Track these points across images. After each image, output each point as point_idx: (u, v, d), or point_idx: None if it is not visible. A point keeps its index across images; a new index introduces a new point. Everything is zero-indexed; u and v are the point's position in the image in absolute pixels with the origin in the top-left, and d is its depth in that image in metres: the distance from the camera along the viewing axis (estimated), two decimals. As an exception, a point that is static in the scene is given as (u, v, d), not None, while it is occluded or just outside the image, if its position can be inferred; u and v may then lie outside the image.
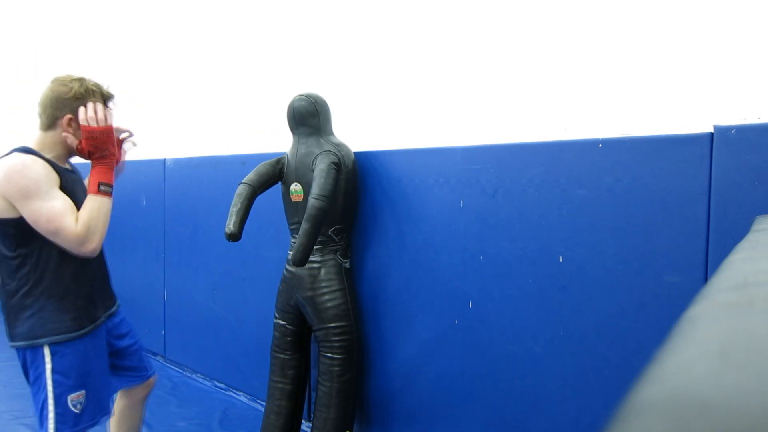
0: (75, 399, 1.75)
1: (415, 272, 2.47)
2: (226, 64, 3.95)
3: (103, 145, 1.72)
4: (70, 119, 1.71)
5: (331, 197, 2.29)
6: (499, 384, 2.20)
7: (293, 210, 2.54)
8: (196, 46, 4.23)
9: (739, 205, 1.67)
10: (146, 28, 4.77)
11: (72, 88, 1.71)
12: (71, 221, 1.63)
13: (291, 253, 2.43)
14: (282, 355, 2.63)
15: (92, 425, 1.82)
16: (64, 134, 1.72)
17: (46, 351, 1.71)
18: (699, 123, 1.81)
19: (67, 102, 1.71)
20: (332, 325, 2.46)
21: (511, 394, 2.17)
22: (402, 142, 2.75)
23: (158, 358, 4.23)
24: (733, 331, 0.40)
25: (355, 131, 3.03)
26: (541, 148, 2.10)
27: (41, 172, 1.63)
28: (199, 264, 3.70)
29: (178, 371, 3.97)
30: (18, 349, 1.75)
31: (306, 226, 2.23)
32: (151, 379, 2.19)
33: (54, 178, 1.66)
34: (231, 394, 3.53)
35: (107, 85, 1.83)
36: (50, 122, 1.71)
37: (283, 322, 2.63)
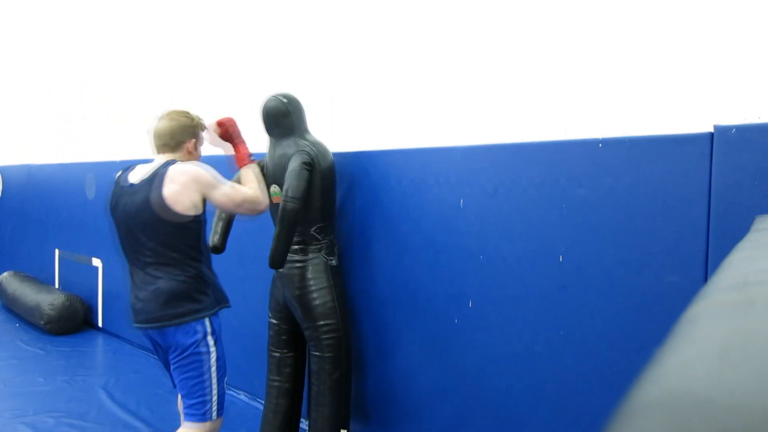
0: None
1: (415, 272, 2.47)
2: (226, 64, 3.95)
3: (234, 128, 2.23)
4: (195, 142, 2.14)
5: (302, 198, 2.33)
6: (500, 384, 2.20)
7: (275, 211, 2.55)
8: (195, 46, 4.23)
9: (739, 205, 1.67)
10: (147, 27, 4.77)
11: (193, 119, 2.14)
12: (247, 190, 2.06)
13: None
14: (277, 354, 2.65)
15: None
16: (189, 154, 2.12)
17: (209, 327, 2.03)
18: (699, 123, 1.81)
19: (191, 129, 2.12)
20: (320, 323, 2.47)
21: (511, 393, 2.17)
22: (402, 142, 2.75)
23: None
24: (733, 331, 0.40)
25: (355, 131, 3.03)
26: (541, 148, 2.10)
27: (207, 168, 2.05)
28: (199, 263, 3.70)
29: (178, 371, 3.97)
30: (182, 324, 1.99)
31: (278, 228, 2.31)
32: None
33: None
34: (231, 393, 3.53)
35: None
36: (176, 146, 2.09)
37: (276, 322, 2.65)
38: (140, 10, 4.84)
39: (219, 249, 2.52)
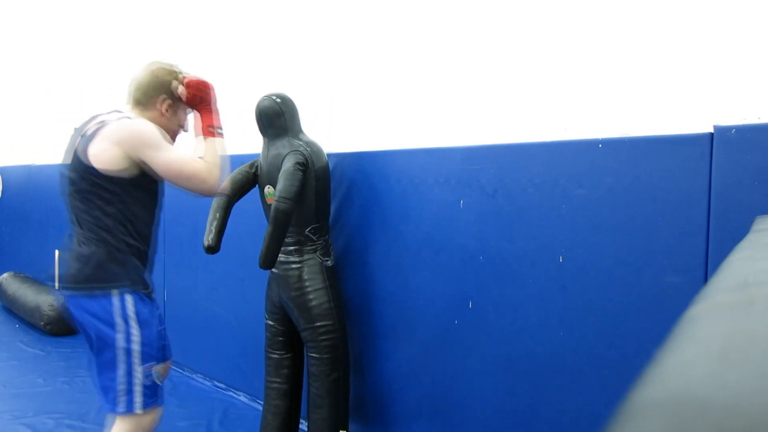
0: (159, 370, 1.87)
1: (415, 272, 2.47)
2: (226, 64, 3.95)
3: (206, 91, 1.90)
4: (167, 101, 1.87)
5: (294, 198, 2.31)
6: (499, 384, 2.20)
7: (270, 211, 2.55)
8: (195, 46, 4.23)
9: (739, 205, 1.67)
10: (146, 28, 4.77)
11: (173, 74, 1.88)
12: (200, 163, 1.79)
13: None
14: (275, 355, 2.65)
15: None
16: (161, 115, 1.86)
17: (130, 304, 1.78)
18: (699, 123, 1.81)
19: (166, 85, 1.87)
20: (317, 324, 2.47)
21: (511, 394, 2.17)
22: (402, 142, 2.75)
23: (158, 358, 4.23)
24: (733, 331, 0.40)
25: (356, 132, 3.03)
26: (541, 148, 2.10)
27: (157, 128, 1.78)
28: (199, 264, 3.70)
29: (178, 371, 3.97)
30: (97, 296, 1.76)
31: (270, 228, 2.28)
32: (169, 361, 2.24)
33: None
34: (231, 394, 3.53)
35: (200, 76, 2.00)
36: (147, 102, 1.85)
37: (272, 323, 2.65)
38: (140, 11, 4.85)
39: (213, 249, 2.49)
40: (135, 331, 1.77)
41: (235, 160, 3.27)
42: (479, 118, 2.52)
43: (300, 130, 2.55)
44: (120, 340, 1.75)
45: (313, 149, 2.47)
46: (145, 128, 1.75)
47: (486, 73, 2.52)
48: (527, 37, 2.39)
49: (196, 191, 1.83)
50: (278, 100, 2.49)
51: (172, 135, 1.93)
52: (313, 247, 2.52)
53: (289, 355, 2.65)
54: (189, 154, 1.82)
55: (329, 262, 2.57)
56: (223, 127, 1.95)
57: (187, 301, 3.85)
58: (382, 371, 2.63)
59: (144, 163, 1.75)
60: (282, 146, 2.46)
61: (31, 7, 6.75)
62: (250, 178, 2.62)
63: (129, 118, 1.80)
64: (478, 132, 2.49)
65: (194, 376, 3.85)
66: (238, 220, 3.03)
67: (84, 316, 1.78)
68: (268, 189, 2.55)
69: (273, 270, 2.59)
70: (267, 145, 2.54)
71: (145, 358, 1.80)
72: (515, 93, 2.41)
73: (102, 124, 1.77)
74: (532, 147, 2.13)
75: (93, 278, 1.77)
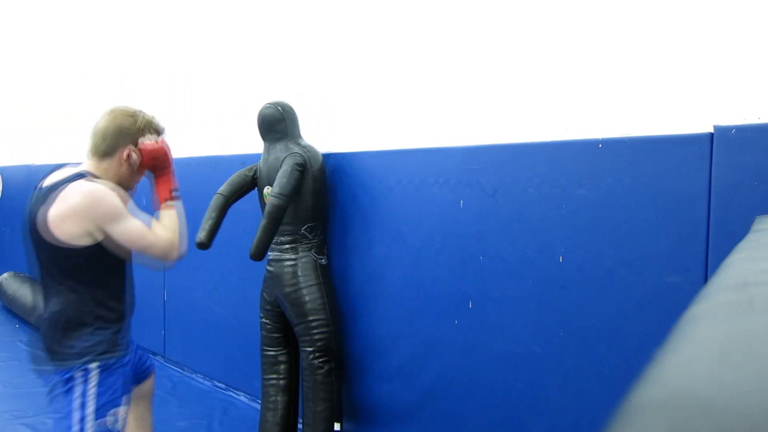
0: (110, 421, 1.75)
1: (415, 272, 2.47)
2: (226, 64, 3.95)
3: (163, 159, 1.83)
4: (130, 151, 1.77)
5: (289, 196, 2.42)
6: (499, 384, 2.20)
7: None
8: (195, 46, 4.23)
9: (739, 205, 1.67)
10: (146, 28, 4.77)
11: (136, 121, 1.78)
12: (155, 235, 1.73)
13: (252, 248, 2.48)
14: (271, 352, 2.72)
15: None
16: (120, 165, 1.77)
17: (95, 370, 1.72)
18: (699, 123, 1.81)
19: (130, 133, 1.77)
20: (309, 318, 2.54)
21: (511, 394, 2.17)
22: (402, 142, 2.75)
23: (158, 358, 4.23)
24: (734, 332, 0.40)
25: (356, 132, 3.03)
26: (541, 148, 2.10)
27: (116, 196, 1.69)
28: (199, 264, 3.70)
29: (178, 371, 3.97)
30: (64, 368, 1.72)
31: (263, 221, 2.38)
32: (152, 376, 2.18)
33: (122, 203, 1.73)
34: (231, 394, 3.53)
35: (160, 120, 1.92)
36: (109, 151, 1.75)
37: (267, 321, 2.72)
38: (140, 11, 4.85)
39: (205, 245, 2.57)
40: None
41: (235, 159, 3.27)
42: (479, 118, 2.52)
43: (299, 136, 2.65)
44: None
45: (311, 152, 2.58)
46: (102, 195, 1.65)
47: (486, 73, 2.52)
48: (527, 37, 2.39)
49: (160, 260, 1.77)
50: (279, 107, 2.61)
51: (131, 182, 1.85)
52: (309, 245, 2.60)
53: (284, 352, 2.71)
54: (146, 223, 1.73)
55: (323, 261, 2.64)
56: (178, 188, 1.89)
57: (187, 301, 3.84)
58: (381, 371, 2.63)
59: (103, 233, 1.67)
60: (281, 150, 2.57)
61: (31, 5, 6.75)
62: (248, 181, 2.71)
63: (84, 176, 1.70)
64: (478, 132, 2.49)
65: (194, 376, 3.85)
66: (238, 220, 3.03)
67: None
68: (267, 190, 2.62)
69: (268, 268, 2.66)
70: (267, 149, 2.65)
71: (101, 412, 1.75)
72: (515, 93, 2.41)
73: (59, 185, 1.68)
74: (532, 147, 2.12)
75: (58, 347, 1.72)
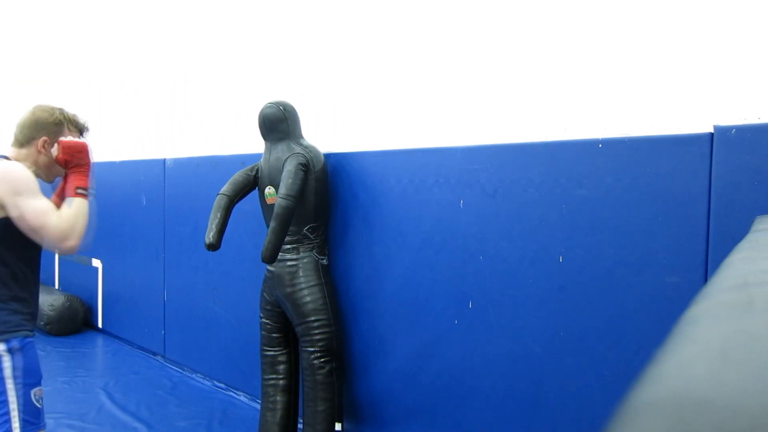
0: (38, 394, 1.84)
1: (415, 272, 2.47)
2: (226, 64, 3.95)
3: (78, 155, 1.90)
4: (45, 141, 1.88)
5: (297, 197, 2.41)
6: (499, 384, 2.20)
7: (269, 212, 2.64)
8: (195, 46, 4.23)
9: (739, 205, 1.67)
10: (146, 28, 4.77)
11: (53, 114, 1.90)
12: (55, 218, 1.78)
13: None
14: (270, 352, 2.72)
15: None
16: (38, 153, 1.88)
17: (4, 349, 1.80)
18: (699, 123, 1.81)
19: (46, 126, 1.89)
20: (310, 319, 2.55)
21: (511, 394, 2.17)
22: (402, 142, 2.76)
23: (158, 358, 4.23)
24: (733, 331, 0.40)
25: (357, 132, 3.03)
26: (541, 148, 2.10)
27: (30, 174, 1.79)
28: (199, 264, 3.70)
29: (178, 371, 3.97)
30: None
31: (273, 224, 2.36)
32: None
33: (37, 183, 1.82)
34: (231, 394, 3.53)
35: (84, 119, 2.02)
36: (25, 141, 1.87)
37: (267, 321, 2.72)
38: (140, 11, 4.85)
39: (214, 246, 2.55)
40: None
41: (235, 159, 3.28)
42: (479, 118, 2.52)
43: (300, 136, 2.64)
44: None
45: (313, 153, 2.57)
46: (15, 172, 1.74)
47: (486, 73, 2.52)
48: (527, 37, 2.39)
49: (55, 247, 1.81)
50: (281, 107, 2.60)
51: (49, 174, 1.94)
52: (310, 245, 2.60)
53: (284, 352, 2.72)
54: (50, 206, 1.78)
55: (325, 261, 2.64)
56: (94, 189, 1.94)
57: (187, 301, 3.85)
58: (382, 370, 2.63)
59: (13, 206, 1.74)
60: (283, 150, 2.57)
61: (31, 5, 6.75)
62: (250, 181, 2.70)
63: (6, 158, 1.82)
64: (478, 132, 2.49)
65: (194, 376, 3.85)
66: (239, 220, 3.03)
67: None
68: (268, 189, 2.62)
69: (269, 268, 2.66)
70: (269, 149, 2.64)
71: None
72: (515, 93, 2.41)
73: None
74: (532, 147, 2.13)
75: None
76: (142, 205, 4.25)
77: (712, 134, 1.73)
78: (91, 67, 5.56)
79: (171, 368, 4.03)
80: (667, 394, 0.30)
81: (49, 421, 3.09)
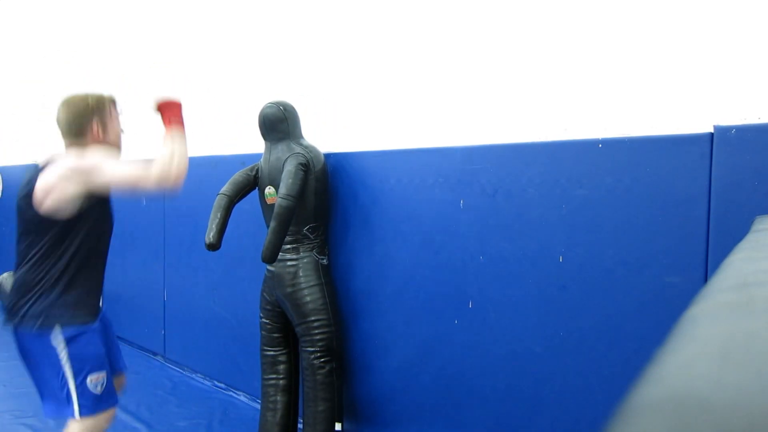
0: (96, 380, 1.92)
1: (415, 272, 2.47)
2: (226, 64, 3.95)
3: (169, 113, 1.94)
4: (98, 123, 1.95)
5: (297, 197, 2.41)
6: (499, 384, 2.20)
7: (269, 212, 2.63)
8: (195, 46, 4.23)
9: (739, 205, 1.67)
10: (146, 27, 4.77)
11: (88, 103, 1.97)
12: (145, 167, 1.79)
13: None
14: (270, 352, 2.72)
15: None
16: (98, 136, 1.94)
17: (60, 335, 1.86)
18: (699, 123, 1.81)
19: (88, 113, 1.95)
20: (311, 319, 2.55)
21: (511, 394, 2.17)
22: (402, 142, 2.76)
23: (158, 358, 4.23)
24: (734, 332, 0.40)
25: (357, 132, 3.03)
26: (541, 148, 2.10)
27: (98, 151, 1.87)
28: (199, 264, 3.70)
29: (178, 371, 3.97)
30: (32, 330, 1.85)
31: (273, 224, 2.37)
32: (123, 376, 2.30)
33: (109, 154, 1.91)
34: (231, 393, 3.53)
35: (107, 92, 2.09)
36: (80, 133, 1.93)
37: (267, 321, 2.72)
38: (140, 11, 4.85)
39: (215, 246, 2.56)
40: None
41: (235, 159, 3.27)
42: (479, 118, 2.52)
43: (300, 136, 2.64)
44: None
45: (313, 153, 2.57)
46: (80, 158, 1.81)
47: (486, 73, 2.52)
48: (527, 37, 2.39)
49: (163, 188, 1.82)
50: (281, 107, 2.60)
51: (116, 144, 2.01)
52: (310, 245, 2.60)
53: (284, 352, 2.72)
54: (136, 163, 1.82)
55: (325, 261, 2.64)
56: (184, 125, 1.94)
57: (187, 301, 3.84)
58: (382, 371, 2.63)
59: (97, 186, 1.81)
60: (283, 150, 2.56)
61: (31, 5, 6.75)
62: (250, 181, 2.70)
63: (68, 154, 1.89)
64: (478, 132, 2.49)
65: (194, 375, 3.85)
66: (239, 220, 3.03)
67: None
68: (268, 189, 2.62)
69: (269, 267, 2.66)
70: (269, 149, 2.64)
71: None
72: (515, 93, 2.41)
73: (47, 162, 1.86)
74: (532, 147, 2.13)
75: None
76: (142, 205, 4.25)
77: (712, 134, 1.73)
78: (91, 67, 5.55)
79: (171, 368, 4.03)
80: (667, 394, 0.30)
81: (49, 421, 3.10)
